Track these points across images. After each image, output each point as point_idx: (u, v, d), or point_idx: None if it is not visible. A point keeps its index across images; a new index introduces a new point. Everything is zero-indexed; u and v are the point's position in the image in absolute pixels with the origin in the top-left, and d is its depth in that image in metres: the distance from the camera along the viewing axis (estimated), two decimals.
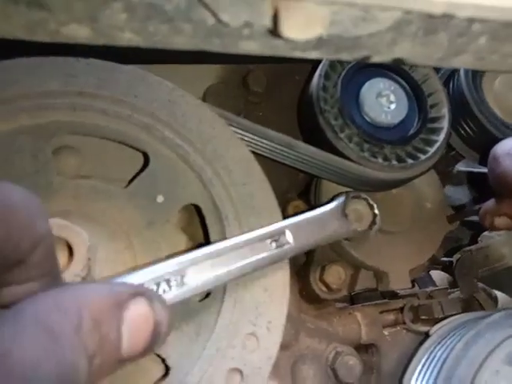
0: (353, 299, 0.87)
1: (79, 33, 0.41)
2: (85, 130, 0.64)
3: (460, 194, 1.26)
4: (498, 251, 0.90)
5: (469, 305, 0.88)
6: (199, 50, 0.44)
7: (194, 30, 0.41)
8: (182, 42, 0.43)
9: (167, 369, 0.57)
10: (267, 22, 0.36)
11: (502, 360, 0.64)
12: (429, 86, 0.83)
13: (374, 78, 0.79)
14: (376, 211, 0.68)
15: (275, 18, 0.35)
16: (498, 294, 1.00)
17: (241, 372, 0.56)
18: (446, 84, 0.91)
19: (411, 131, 0.80)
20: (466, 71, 0.87)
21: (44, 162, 0.62)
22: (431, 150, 0.78)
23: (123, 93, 0.63)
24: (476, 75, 0.87)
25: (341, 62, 0.79)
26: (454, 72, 0.90)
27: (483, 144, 0.88)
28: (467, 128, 0.88)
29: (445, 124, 0.80)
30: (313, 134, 0.76)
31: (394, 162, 0.76)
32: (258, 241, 0.56)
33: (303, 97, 0.84)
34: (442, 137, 0.79)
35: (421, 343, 0.81)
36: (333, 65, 0.78)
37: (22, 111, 0.60)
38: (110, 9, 0.38)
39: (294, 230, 0.59)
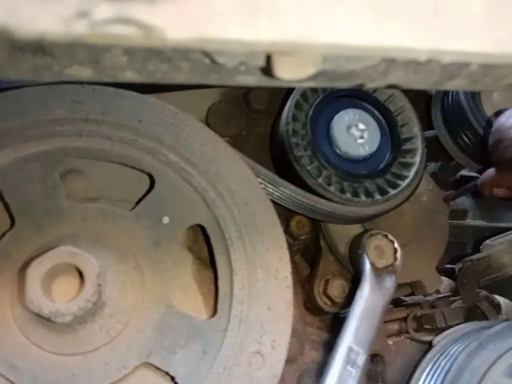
0: None
1: (82, 73, 0.43)
2: (91, 154, 0.66)
3: (463, 199, 1.27)
4: (499, 261, 0.91)
5: (471, 314, 0.89)
6: (198, 83, 0.46)
7: (192, 69, 0.43)
8: (181, 78, 0.45)
9: None
10: (261, 63, 0.38)
11: (502, 372, 0.65)
12: (396, 105, 0.81)
13: (340, 111, 0.77)
14: (396, 246, 0.72)
15: (268, 62, 0.36)
16: (501, 300, 1.01)
17: None
18: (443, 95, 0.92)
19: (387, 158, 0.78)
20: None
21: (53, 186, 0.64)
22: (410, 175, 0.76)
23: (127, 118, 0.65)
24: None
25: (306, 99, 0.76)
26: None
27: (483, 153, 0.90)
28: (466, 138, 0.89)
29: (418, 144, 0.78)
30: (290, 175, 0.74)
31: (377, 197, 0.74)
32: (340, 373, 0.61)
33: (273, 141, 0.81)
34: (417, 159, 0.77)
35: (425, 353, 0.82)
36: (299, 105, 0.76)
37: (30, 139, 0.62)
38: (111, 53, 0.40)
39: (357, 341, 0.62)
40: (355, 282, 0.80)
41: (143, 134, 0.65)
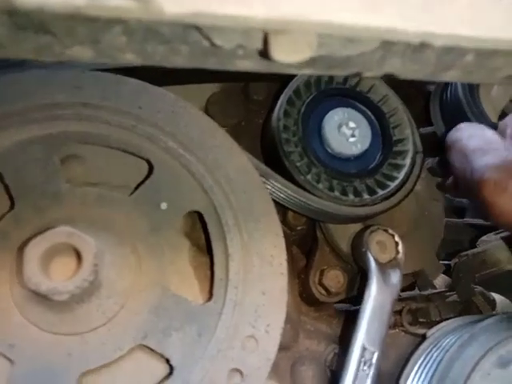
0: (352, 301, 0.90)
1: (83, 54, 0.44)
2: (91, 139, 0.67)
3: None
4: (494, 256, 0.92)
5: (466, 308, 0.90)
6: (197, 67, 0.47)
7: (190, 51, 0.44)
8: (179, 61, 0.46)
9: (171, 368, 0.59)
10: (258, 45, 0.39)
11: (493, 363, 0.65)
12: (389, 107, 0.81)
13: (332, 109, 0.77)
14: (397, 239, 0.73)
15: (265, 43, 0.37)
16: (497, 296, 1.01)
17: (241, 372, 0.59)
18: (442, 92, 0.92)
19: (377, 158, 0.78)
20: None
21: (53, 170, 0.65)
22: (399, 177, 0.76)
23: (128, 104, 0.66)
24: (473, 83, 0.89)
25: (299, 95, 0.76)
26: None
27: None
28: None
29: (409, 146, 0.78)
30: (279, 171, 0.74)
31: (366, 196, 0.74)
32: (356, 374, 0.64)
33: (265, 135, 0.81)
34: (408, 161, 0.77)
35: (418, 345, 0.83)
36: (291, 101, 0.76)
37: (33, 122, 0.63)
38: (110, 32, 0.41)
39: (370, 340, 0.63)
40: (361, 279, 0.81)
41: (143, 120, 0.66)
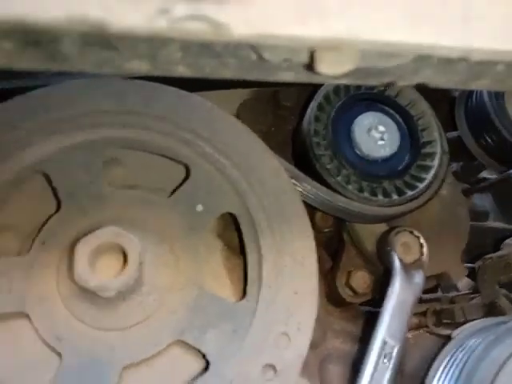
0: (378, 302, 0.91)
1: (140, 67, 0.47)
2: (133, 144, 0.70)
3: (484, 201, 1.28)
4: None
5: (490, 310, 0.91)
6: (242, 79, 0.50)
7: (238, 64, 0.47)
8: (227, 73, 0.49)
9: (207, 363, 0.62)
10: (304, 59, 0.41)
11: None
12: (417, 110, 0.83)
13: (362, 113, 0.79)
14: (422, 241, 0.75)
15: (311, 57, 0.40)
16: None
17: (274, 367, 0.61)
18: (467, 97, 0.94)
19: (406, 160, 0.80)
20: None
21: (96, 173, 0.68)
22: (428, 178, 0.78)
23: (167, 111, 0.69)
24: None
25: (329, 101, 0.79)
26: None
27: (505, 154, 0.91)
28: (489, 139, 0.91)
29: (437, 148, 0.80)
30: (310, 174, 0.77)
31: (395, 197, 0.77)
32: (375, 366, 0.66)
33: (296, 139, 0.84)
34: (436, 162, 0.79)
35: (443, 346, 0.84)
36: (321, 106, 0.79)
37: (78, 129, 0.67)
38: (168, 49, 0.44)
39: (390, 334, 0.67)
40: (385, 278, 0.83)
41: (181, 126, 0.69)
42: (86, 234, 0.58)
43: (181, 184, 0.70)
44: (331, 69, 0.41)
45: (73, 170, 0.67)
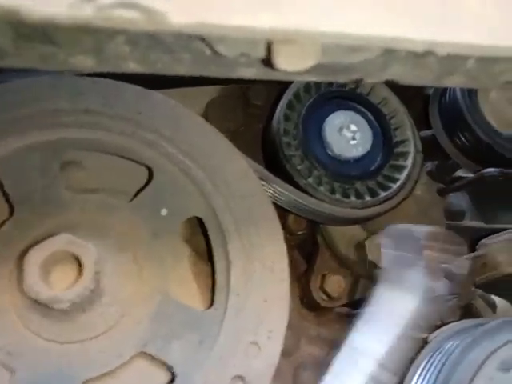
0: (355, 304, 0.90)
1: (85, 63, 0.43)
2: (91, 146, 0.67)
3: (460, 200, 1.27)
4: (494, 259, 0.92)
5: (467, 312, 0.90)
6: (198, 75, 0.46)
7: (192, 59, 0.44)
8: (182, 69, 0.46)
9: (173, 376, 0.59)
10: (262, 54, 0.39)
11: (496, 367, 0.65)
12: (389, 108, 0.81)
13: (333, 112, 0.77)
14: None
15: (269, 52, 0.37)
16: (497, 299, 1.01)
17: (243, 379, 0.58)
18: (441, 95, 0.92)
19: (378, 160, 0.78)
20: None
21: (52, 177, 0.64)
22: (401, 178, 0.77)
23: (127, 110, 0.66)
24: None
25: (299, 99, 0.76)
26: None
27: (479, 153, 0.90)
28: (463, 138, 0.89)
29: (411, 148, 0.78)
30: (280, 175, 0.74)
31: (368, 198, 0.75)
32: None
33: (265, 139, 0.81)
34: (409, 162, 0.77)
35: (420, 349, 0.83)
36: (291, 104, 0.76)
37: (33, 129, 0.63)
38: (114, 42, 0.40)
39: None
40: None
41: (143, 126, 0.65)
42: (36, 243, 0.54)
43: (143, 187, 0.67)
44: (291, 64, 0.38)
45: (26, 174, 0.63)
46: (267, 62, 0.39)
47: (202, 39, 0.37)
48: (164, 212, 0.66)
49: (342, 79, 0.50)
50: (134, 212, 0.66)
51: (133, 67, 0.45)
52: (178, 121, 0.66)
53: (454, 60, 0.47)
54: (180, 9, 0.27)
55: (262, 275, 0.62)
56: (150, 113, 0.66)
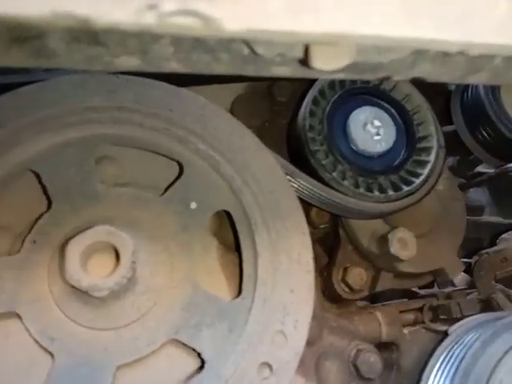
0: (374, 298, 0.91)
1: (130, 63, 0.46)
2: (124, 141, 0.69)
3: (479, 195, 1.28)
4: None
5: (487, 305, 0.91)
6: (235, 74, 0.48)
7: (231, 59, 0.46)
8: (220, 69, 0.48)
9: (203, 362, 0.61)
10: (299, 54, 0.40)
11: None
12: (413, 104, 0.82)
13: (357, 108, 0.78)
14: None
15: (306, 53, 0.39)
16: None
17: (270, 366, 0.61)
18: (463, 91, 0.93)
19: (402, 155, 0.79)
20: None
21: (88, 171, 0.67)
22: (424, 173, 0.78)
23: (159, 107, 0.68)
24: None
25: (324, 95, 0.78)
26: None
27: (501, 149, 0.91)
28: (485, 133, 0.90)
29: (433, 143, 0.79)
30: (306, 169, 0.76)
31: (391, 192, 0.76)
32: None
33: (291, 134, 0.83)
34: (432, 157, 0.78)
35: (440, 342, 0.84)
36: (316, 101, 0.78)
37: (68, 126, 0.66)
38: (159, 44, 0.43)
39: None
40: None
41: (174, 122, 0.68)
42: (77, 233, 0.57)
43: (174, 181, 0.69)
44: (327, 64, 0.40)
45: (64, 168, 0.66)
46: (304, 61, 0.41)
47: (245, 41, 0.39)
48: (193, 205, 0.68)
49: (370, 77, 0.52)
50: (165, 205, 0.68)
51: (175, 67, 0.47)
52: (207, 117, 0.69)
53: (482, 59, 0.49)
54: (232, 15, 0.29)
55: (288, 266, 0.64)
56: (180, 110, 0.68)
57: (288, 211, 0.68)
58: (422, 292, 0.99)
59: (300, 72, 0.48)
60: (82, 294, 0.58)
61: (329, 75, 0.50)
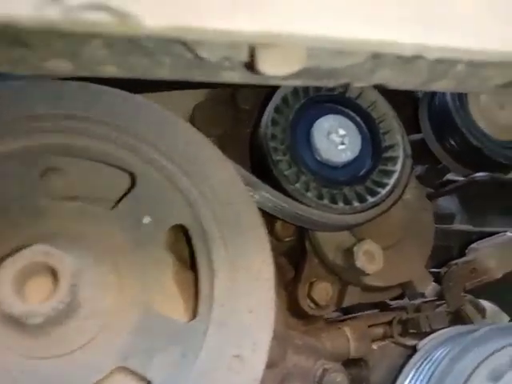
0: (345, 309, 0.88)
1: (61, 67, 0.41)
2: (72, 152, 0.64)
3: (450, 203, 1.27)
4: (483, 264, 0.91)
5: (456, 318, 0.89)
6: (182, 79, 0.45)
7: (174, 63, 0.42)
8: (163, 73, 0.44)
9: None
10: (245, 57, 0.37)
11: (485, 377, 0.64)
12: (379, 112, 0.80)
13: (321, 116, 0.75)
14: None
15: (252, 56, 0.35)
16: (486, 304, 1.01)
17: None
18: (430, 98, 0.91)
19: (367, 165, 0.77)
20: None
21: (30, 185, 0.62)
22: (390, 183, 0.75)
23: (110, 115, 0.63)
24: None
25: (287, 103, 0.75)
26: None
27: (469, 158, 0.89)
28: (452, 142, 0.88)
29: (400, 152, 0.77)
30: (268, 180, 0.72)
31: (356, 204, 0.73)
32: None
33: (253, 144, 0.80)
34: (398, 166, 0.76)
35: (409, 357, 0.81)
36: (279, 109, 0.75)
37: (11, 136, 0.60)
38: (90, 46, 0.38)
39: None
40: None
41: (125, 131, 0.63)
42: (11, 254, 0.52)
43: (125, 194, 0.65)
44: (275, 69, 0.36)
45: (4, 182, 0.61)
46: (250, 66, 0.37)
47: (182, 43, 0.36)
48: (147, 220, 0.64)
49: (329, 84, 0.49)
50: (115, 220, 0.64)
51: (112, 71, 0.43)
52: (162, 125, 0.64)
53: (443, 64, 0.46)
54: (153, 11, 0.25)
55: (247, 285, 0.60)
56: (133, 117, 0.64)
57: (248, 225, 0.64)
58: (394, 303, 0.97)
59: (251, 78, 0.44)
60: (17, 321, 0.52)
61: (284, 81, 0.46)
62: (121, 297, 0.59)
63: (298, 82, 0.47)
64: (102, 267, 0.61)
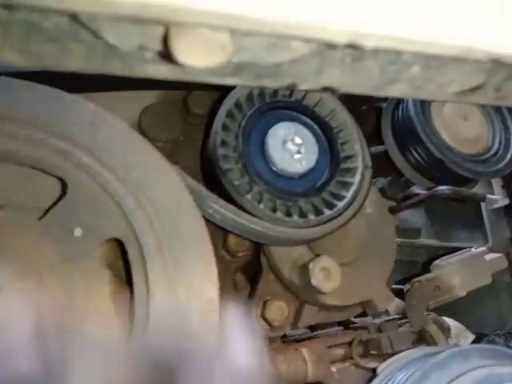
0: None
1: None
2: None
3: (415, 218, 1.24)
4: (447, 282, 0.88)
5: (420, 338, 0.85)
6: (100, 73, 0.39)
7: (86, 52, 0.36)
8: (75, 64, 0.38)
9: None
10: (159, 46, 0.32)
11: None
12: (338, 121, 0.75)
13: (277, 123, 0.70)
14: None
15: (166, 43, 0.30)
16: (451, 322, 0.97)
17: None
18: (394, 109, 0.88)
19: (324, 176, 0.72)
20: None
21: None
22: (348, 195, 0.71)
23: (37, 114, 0.57)
24: (424, 100, 0.85)
25: (240, 108, 0.70)
26: None
27: (432, 170, 0.86)
28: (415, 154, 0.85)
29: (358, 163, 0.72)
30: (219, 191, 0.67)
31: (312, 217, 0.68)
32: None
33: (203, 152, 0.75)
34: (357, 178, 0.72)
35: (369, 381, 0.77)
36: (231, 114, 0.70)
37: None
38: None
39: None
40: None
41: (55, 132, 0.57)
42: None
43: (55, 203, 0.58)
44: (195, 58, 0.31)
45: None
46: (166, 55, 0.32)
47: (78, 21, 0.30)
48: (78, 232, 0.57)
49: (272, 84, 0.44)
50: (43, 231, 0.57)
51: (13, 59, 0.37)
52: (96, 127, 0.58)
53: (395, 65, 0.42)
54: None
55: (187, 306, 0.55)
56: (63, 117, 0.57)
57: (191, 238, 0.58)
58: (358, 321, 0.92)
59: (178, 73, 0.39)
60: None
61: (219, 79, 0.41)
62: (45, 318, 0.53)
63: (236, 81, 0.42)
64: (26, 285, 0.54)
